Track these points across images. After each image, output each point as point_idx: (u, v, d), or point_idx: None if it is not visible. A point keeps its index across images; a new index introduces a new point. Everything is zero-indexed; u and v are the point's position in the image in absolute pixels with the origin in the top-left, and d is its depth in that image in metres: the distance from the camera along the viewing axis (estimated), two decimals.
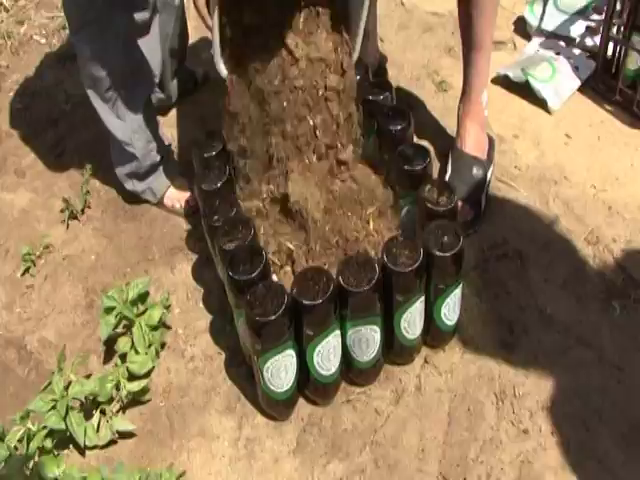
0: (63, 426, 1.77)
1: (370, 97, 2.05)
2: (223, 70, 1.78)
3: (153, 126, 2.27)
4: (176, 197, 2.35)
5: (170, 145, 2.41)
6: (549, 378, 1.84)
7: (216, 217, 1.83)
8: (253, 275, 1.64)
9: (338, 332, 1.71)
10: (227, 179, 1.91)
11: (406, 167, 1.87)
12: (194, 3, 1.72)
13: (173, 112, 2.71)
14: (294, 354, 1.69)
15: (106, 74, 2.07)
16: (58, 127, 2.73)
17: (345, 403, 1.85)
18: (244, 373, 1.92)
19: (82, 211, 2.40)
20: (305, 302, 1.60)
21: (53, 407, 1.78)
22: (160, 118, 2.42)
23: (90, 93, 2.14)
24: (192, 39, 2.71)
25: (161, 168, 2.32)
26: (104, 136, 2.25)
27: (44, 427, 1.78)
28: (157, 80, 2.29)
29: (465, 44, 2.20)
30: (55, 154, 2.63)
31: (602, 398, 1.78)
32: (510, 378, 1.85)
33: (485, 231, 2.16)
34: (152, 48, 2.17)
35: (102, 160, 2.42)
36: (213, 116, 2.59)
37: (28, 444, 1.76)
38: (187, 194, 2.34)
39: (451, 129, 2.41)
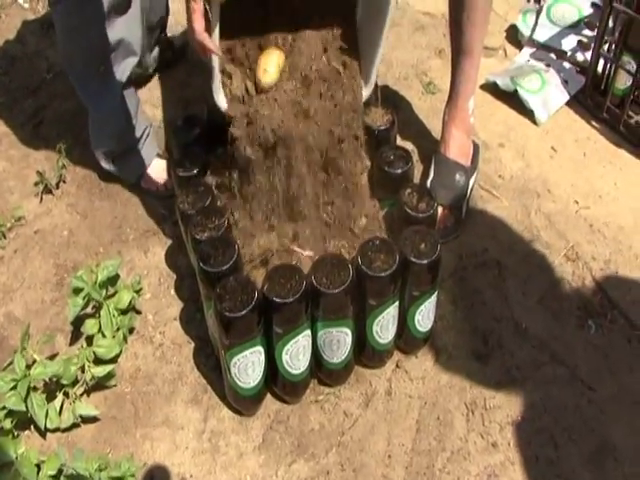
0: (23, 407, 1.73)
1: None
2: (223, 103, 1.65)
3: (133, 106, 2.21)
4: (153, 179, 2.30)
5: (150, 126, 2.36)
6: (521, 392, 1.83)
7: (190, 205, 1.79)
8: (224, 268, 1.61)
9: (308, 332, 1.69)
10: (204, 166, 1.88)
11: (387, 169, 1.85)
12: (191, 35, 1.49)
13: (153, 91, 2.65)
14: (262, 351, 1.67)
15: (84, 50, 2.02)
16: (38, 96, 2.67)
17: (314, 403, 1.83)
18: (212, 364, 1.89)
19: (57, 185, 2.34)
20: (275, 300, 1.57)
21: (14, 387, 1.74)
22: (140, 96, 2.36)
23: (68, 68, 2.08)
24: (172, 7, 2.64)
25: (139, 149, 2.27)
26: (85, 109, 2.20)
27: (3, 407, 1.73)
28: (138, 59, 2.22)
29: (454, 49, 2.16)
30: (33, 124, 2.56)
31: (573, 416, 1.78)
32: (481, 390, 1.84)
33: (464, 239, 2.14)
34: (133, 25, 2.09)
35: (81, 133, 2.38)
36: (194, 96, 2.57)
37: None
38: (164, 177, 2.29)
39: (436, 131, 2.38)
